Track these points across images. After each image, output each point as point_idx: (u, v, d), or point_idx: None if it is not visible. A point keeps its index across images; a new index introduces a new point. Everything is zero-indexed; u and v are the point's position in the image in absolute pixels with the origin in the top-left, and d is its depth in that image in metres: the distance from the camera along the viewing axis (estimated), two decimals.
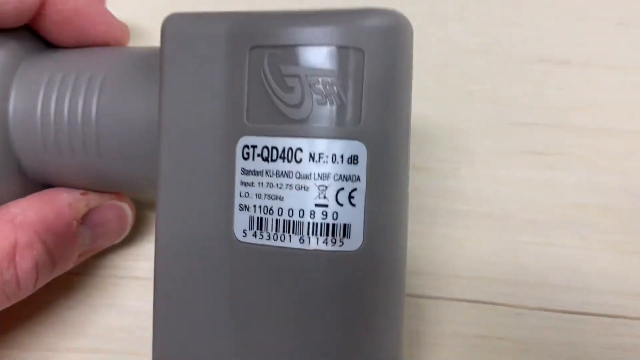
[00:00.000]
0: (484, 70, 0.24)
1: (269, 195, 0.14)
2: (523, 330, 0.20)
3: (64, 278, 0.20)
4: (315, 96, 0.13)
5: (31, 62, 0.18)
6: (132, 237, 0.21)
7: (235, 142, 0.14)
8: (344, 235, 0.14)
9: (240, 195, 0.14)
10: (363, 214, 0.14)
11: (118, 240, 0.20)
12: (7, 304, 0.17)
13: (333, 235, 0.13)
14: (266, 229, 0.14)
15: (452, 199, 0.22)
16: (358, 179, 0.14)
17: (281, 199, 0.14)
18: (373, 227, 0.14)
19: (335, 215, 0.13)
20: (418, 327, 0.20)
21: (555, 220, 0.22)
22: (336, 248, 0.14)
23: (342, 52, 0.13)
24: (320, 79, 0.13)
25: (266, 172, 0.14)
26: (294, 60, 0.13)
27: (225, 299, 0.14)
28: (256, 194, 0.14)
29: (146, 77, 0.17)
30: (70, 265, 0.19)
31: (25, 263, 0.17)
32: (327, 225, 0.13)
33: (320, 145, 0.13)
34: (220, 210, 0.14)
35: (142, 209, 0.22)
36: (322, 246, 0.14)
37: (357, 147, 0.13)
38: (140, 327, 0.21)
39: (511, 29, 0.25)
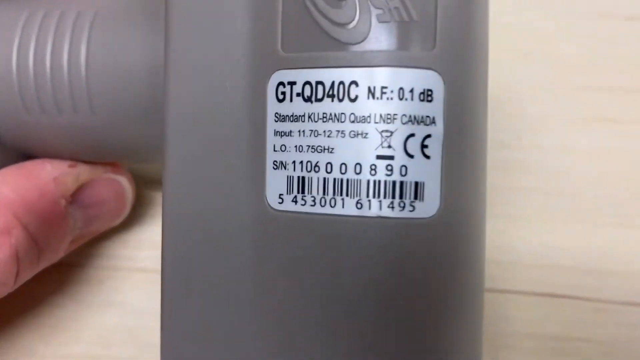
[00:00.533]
0: (540, 27, 0.21)
1: (313, 147, 0.10)
2: (605, 328, 0.17)
3: (51, 270, 0.16)
4: (374, 11, 0.10)
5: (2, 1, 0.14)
6: (132, 219, 0.18)
7: (267, 80, 0.11)
8: (415, 198, 0.10)
9: (274, 150, 0.11)
10: (440, 169, 0.10)
11: (116, 223, 0.18)
12: None
13: (401, 197, 0.10)
14: (310, 191, 0.10)
15: (514, 174, 0.19)
16: (433, 121, 0.10)
17: (330, 150, 0.10)
18: (453, 187, 0.10)
19: (403, 170, 0.10)
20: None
21: (637, 196, 0.18)
22: (405, 214, 0.10)
23: None
24: None
25: (309, 117, 0.10)
26: None
27: (252, 285, 0.11)
28: (296, 147, 0.11)
29: (147, 12, 0.13)
30: (59, 255, 0.16)
31: (1, 252, 0.14)
32: (393, 183, 0.10)
33: (382, 76, 0.10)
34: (247, 172, 0.11)
35: (144, 185, 0.19)
36: (386, 212, 0.10)
37: (432, 79, 0.10)
38: (143, 328, 0.18)
39: None
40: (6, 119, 0.14)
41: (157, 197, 0.19)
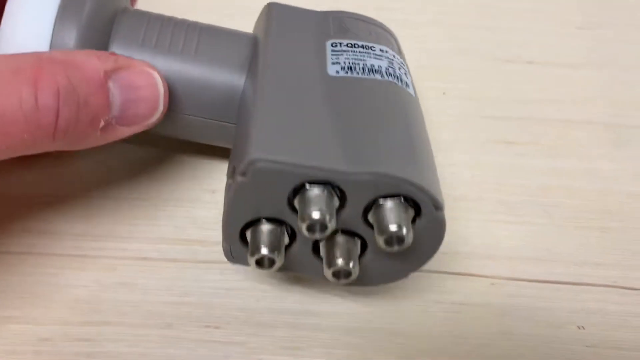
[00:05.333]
0: (456, 70, 0.27)
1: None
2: (498, 298, 0.22)
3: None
4: None
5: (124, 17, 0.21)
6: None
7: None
8: None
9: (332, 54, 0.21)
10: None
11: (150, 122, 0.19)
12: (31, 147, 0.16)
13: None
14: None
15: None
16: None
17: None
18: None
19: None
20: (403, 294, 0.22)
21: (524, 200, 0.24)
22: None
23: None
24: None
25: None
26: None
27: (325, 104, 0.18)
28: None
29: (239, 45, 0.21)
30: (95, 135, 0.17)
31: (47, 89, 0.15)
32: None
33: None
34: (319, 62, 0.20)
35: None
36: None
37: None
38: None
39: (482, 33, 0.28)
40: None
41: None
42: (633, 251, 0.23)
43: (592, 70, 0.27)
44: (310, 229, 0.16)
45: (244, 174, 0.17)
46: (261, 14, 0.23)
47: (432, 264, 0.22)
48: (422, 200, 0.17)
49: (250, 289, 0.21)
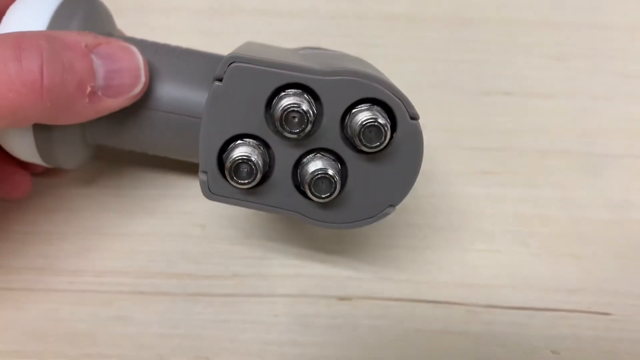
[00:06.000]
0: (435, 103, 0.28)
1: None
2: (475, 325, 0.23)
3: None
4: None
5: None
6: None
7: None
8: None
9: None
10: None
11: (134, 93, 0.19)
12: (21, 110, 0.17)
13: None
14: None
15: (411, 214, 0.25)
16: None
17: None
18: None
19: None
20: (384, 323, 0.23)
21: (501, 229, 0.25)
22: None
23: None
24: None
25: None
26: None
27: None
28: None
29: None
30: (84, 105, 0.18)
31: (29, 50, 0.16)
32: None
33: None
34: None
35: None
36: None
37: None
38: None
39: (459, 66, 0.29)
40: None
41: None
42: (605, 278, 0.24)
43: (566, 100, 0.28)
44: (287, 119, 0.17)
45: (220, 78, 0.17)
46: None
47: (412, 292, 0.23)
48: (396, 106, 0.17)
49: (237, 321, 0.22)
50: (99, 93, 0.18)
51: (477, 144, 0.27)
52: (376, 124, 0.17)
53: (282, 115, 0.17)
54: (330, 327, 0.22)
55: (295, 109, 0.16)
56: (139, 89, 0.19)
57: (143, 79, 0.19)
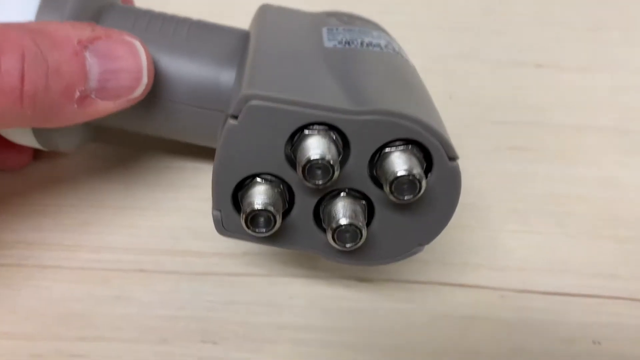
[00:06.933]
0: (463, 75, 0.26)
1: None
2: (509, 311, 0.21)
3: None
4: None
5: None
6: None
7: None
8: None
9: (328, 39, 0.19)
10: None
11: (134, 95, 0.17)
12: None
13: None
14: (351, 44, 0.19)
15: None
16: None
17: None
18: None
19: None
20: (409, 308, 0.21)
21: (535, 209, 0.23)
22: None
23: None
24: None
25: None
26: None
27: (321, 61, 0.17)
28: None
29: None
30: (72, 110, 0.16)
31: (9, 52, 0.15)
32: None
33: None
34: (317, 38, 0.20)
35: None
36: None
37: None
38: None
39: (489, 37, 0.28)
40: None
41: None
42: None
43: (601, 74, 0.27)
44: (311, 172, 0.14)
45: (235, 116, 0.15)
46: (255, 14, 0.22)
47: (439, 275, 0.22)
48: (434, 147, 0.15)
49: (249, 302, 0.20)
50: (92, 95, 0.16)
51: (508, 118, 0.25)
52: (410, 177, 0.14)
53: (305, 165, 0.14)
54: (349, 310, 0.21)
55: (320, 162, 0.14)
56: (139, 91, 0.17)
57: (145, 80, 0.17)
